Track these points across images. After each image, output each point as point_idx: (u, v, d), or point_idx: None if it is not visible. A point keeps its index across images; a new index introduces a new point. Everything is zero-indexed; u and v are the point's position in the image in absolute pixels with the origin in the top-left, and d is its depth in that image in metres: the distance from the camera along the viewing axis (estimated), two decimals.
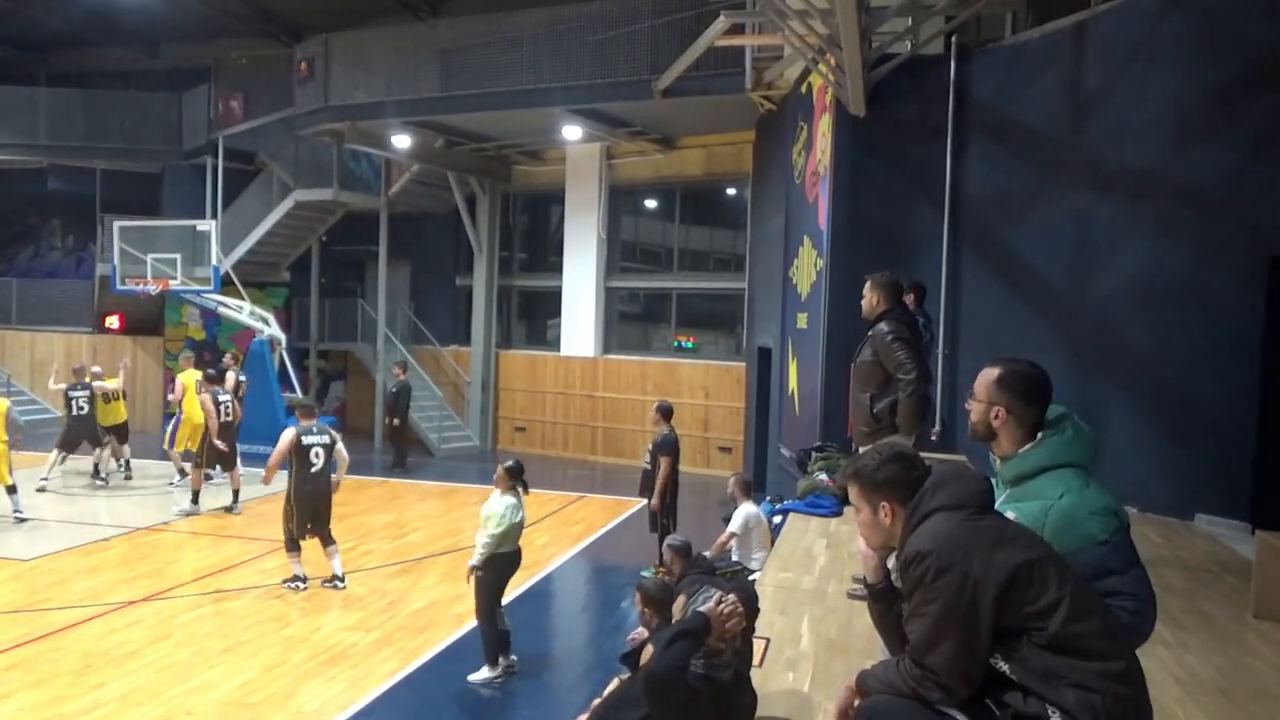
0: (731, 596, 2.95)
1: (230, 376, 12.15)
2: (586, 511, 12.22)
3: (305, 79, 15.12)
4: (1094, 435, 2.59)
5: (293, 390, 16.59)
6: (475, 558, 6.46)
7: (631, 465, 14.24)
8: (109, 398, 12.60)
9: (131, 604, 7.73)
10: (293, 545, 8.15)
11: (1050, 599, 2.07)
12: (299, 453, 8.04)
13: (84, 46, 20.23)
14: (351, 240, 18.81)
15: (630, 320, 17.22)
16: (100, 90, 19.06)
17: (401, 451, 15.11)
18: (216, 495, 11.57)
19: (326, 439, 8.26)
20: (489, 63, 13.69)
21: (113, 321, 18.66)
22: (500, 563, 6.50)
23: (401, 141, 15.31)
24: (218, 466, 11.30)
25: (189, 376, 12.57)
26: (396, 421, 15.11)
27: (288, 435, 8.09)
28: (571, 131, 14.69)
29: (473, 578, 6.46)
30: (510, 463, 6.64)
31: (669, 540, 6.60)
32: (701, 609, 2.91)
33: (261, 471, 13.60)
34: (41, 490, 11.85)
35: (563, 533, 10.92)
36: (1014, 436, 2.56)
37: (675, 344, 16.32)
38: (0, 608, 7.55)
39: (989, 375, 2.59)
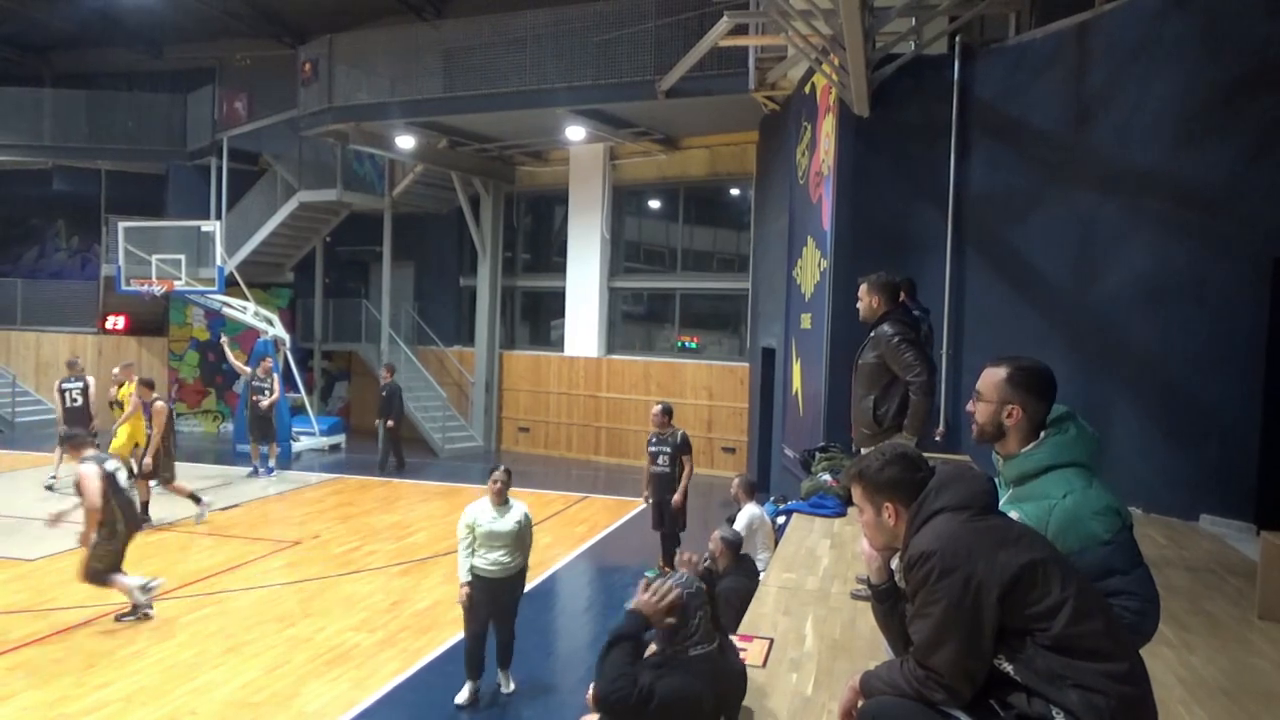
0: (658, 579, 2.96)
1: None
2: (590, 512, 12.21)
3: (309, 80, 15.16)
4: (1097, 435, 2.57)
5: (297, 391, 16.64)
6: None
7: (635, 466, 14.24)
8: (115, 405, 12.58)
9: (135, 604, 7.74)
10: (117, 575, 7.31)
11: (1054, 600, 2.07)
12: (113, 486, 7.28)
13: (88, 47, 20.30)
14: (355, 241, 18.88)
15: (634, 320, 17.22)
16: (104, 91, 19.11)
17: (396, 454, 14.77)
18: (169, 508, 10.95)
19: (116, 458, 7.82)
20: (492, 63, 13.71)
21: (117, 322, 18.70)
22: None
23: (405, 142, 15.34)
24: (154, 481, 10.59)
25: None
26: (390, 423, 14.71)
27: (95, 476, 7.13)
28: (575, 132, 14.71)
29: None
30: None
31: (721, 532, 6.46)
32: (629, 606, 2.93)
33: (256, 469, 13.71)
34: (50, 489, 11.90)
35: (566, 533, 10.92)
36: (1023, 435, 2.54)
37: (679, 344, 16.32)
38: (5, 607, 7.57)
39: (997, 374, 2.55)
